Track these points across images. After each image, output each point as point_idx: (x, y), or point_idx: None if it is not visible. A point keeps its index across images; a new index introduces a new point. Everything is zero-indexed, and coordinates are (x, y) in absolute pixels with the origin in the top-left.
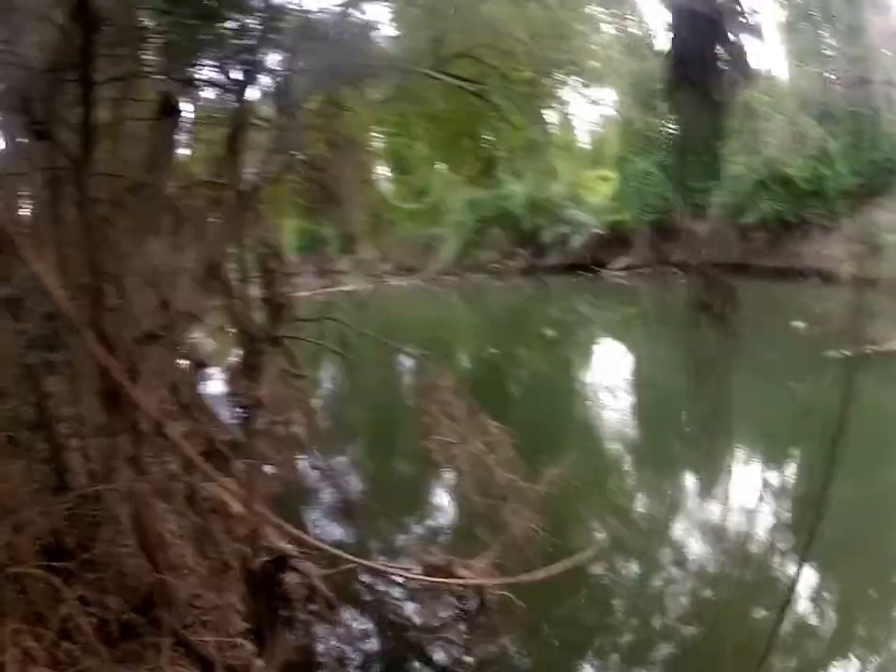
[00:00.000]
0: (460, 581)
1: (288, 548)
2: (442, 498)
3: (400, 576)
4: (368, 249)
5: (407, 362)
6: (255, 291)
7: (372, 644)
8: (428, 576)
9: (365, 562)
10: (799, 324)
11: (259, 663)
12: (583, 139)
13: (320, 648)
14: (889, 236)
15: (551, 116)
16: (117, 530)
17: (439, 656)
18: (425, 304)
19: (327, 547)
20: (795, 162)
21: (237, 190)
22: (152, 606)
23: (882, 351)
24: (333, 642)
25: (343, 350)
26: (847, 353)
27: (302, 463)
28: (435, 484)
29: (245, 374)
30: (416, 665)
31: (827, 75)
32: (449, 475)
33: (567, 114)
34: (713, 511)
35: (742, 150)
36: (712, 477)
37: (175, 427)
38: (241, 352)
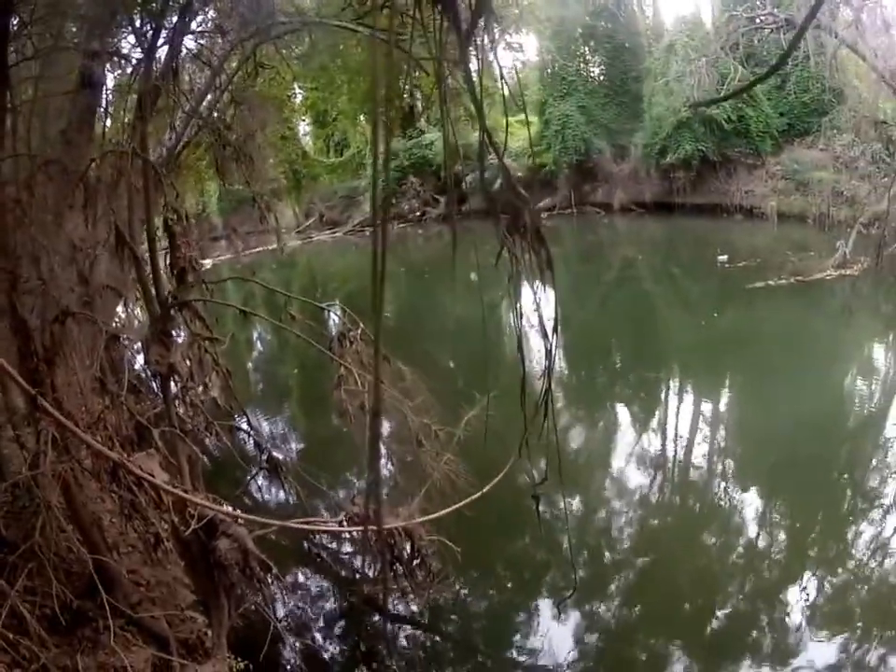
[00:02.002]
0: (379, 528)
1: (217, 514)
2: (366, 449)
3: (324, 531)
4: (291, 207)
5: (332, 317)
6: (164, 258)
7: (310, 600)
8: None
9: (286, 523)
10: (723, 257)
11: (209, 633)
12: (504, 85)
13: (261, 611)
14: (815, 173)
15: (470, 63)
16: (53, 516)
17: (376, 606)
18: (347, 257)
19: (238, 514)
20: (719, 103)
21: (144, 158)
22: (99, 589)
23: (808, 281)
24: (273, 603)
25: (266, 310)
26: (772, 283)
27: (226, 426)
28: (358, 435)
29: (157, 343)
30: (354, 616)
31: (756, 19)
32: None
33: (486, 60)
34: (634, 438)
35: (664, 91)
36: (636, 406)
37: (96, 404)
38: (151, 321)
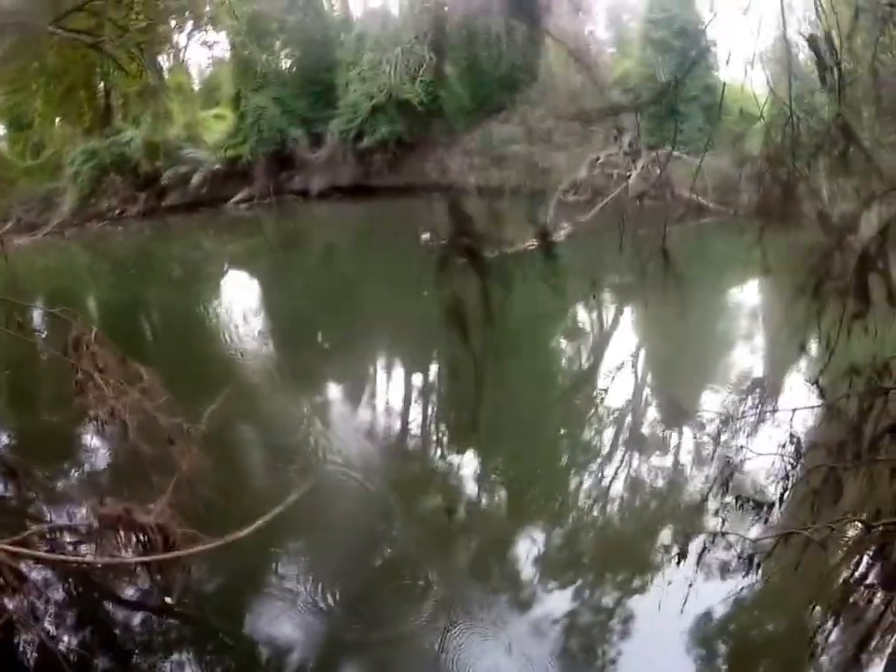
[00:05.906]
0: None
1: None
2: (110, 449)
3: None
4: None
5: (39, 320)
6: None
7: (37, 592)
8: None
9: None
10: (426, 235)
11: None
12: (197, 80)
13: (26, 622)
14: (511, 147)
15: (165, 61)
16: None
17: (107, 591)
18: (48, 258)
19: None
20: (411, 88)
21: None
22: None
23: (513, 252)
24: (38, 613)
25: None
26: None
27: None
28: (99, 437)
29: None
30: (85, 603)
31: (445, 7)
32: (111, 426)
33: (180, 58)
34: (362, 414)
35: (358, 79)
36: (356, 383)
37: None
38: None
